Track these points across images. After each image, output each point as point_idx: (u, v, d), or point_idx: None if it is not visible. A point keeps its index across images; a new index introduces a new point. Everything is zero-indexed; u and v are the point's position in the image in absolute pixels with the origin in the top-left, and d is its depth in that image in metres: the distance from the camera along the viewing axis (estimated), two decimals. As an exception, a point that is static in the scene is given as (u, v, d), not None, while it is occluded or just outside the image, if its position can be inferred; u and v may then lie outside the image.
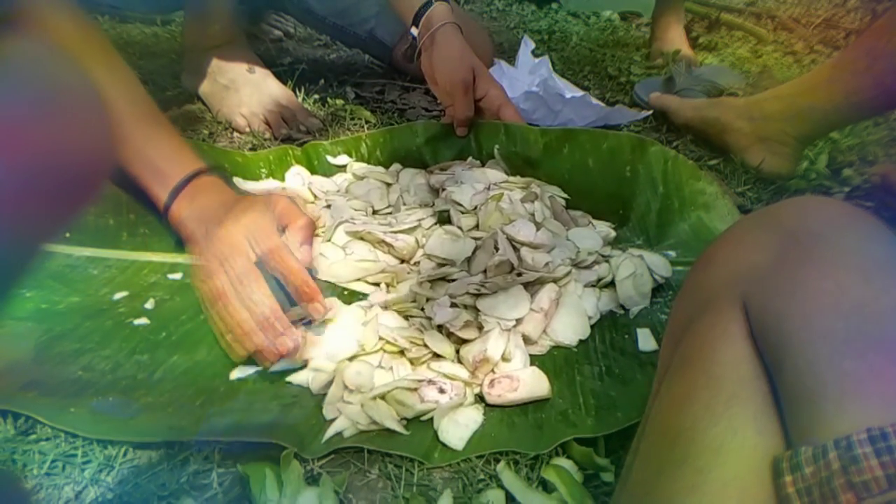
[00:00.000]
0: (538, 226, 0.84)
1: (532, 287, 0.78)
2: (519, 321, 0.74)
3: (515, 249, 0.81)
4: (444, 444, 0.64)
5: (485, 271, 0.79)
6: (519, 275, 0.78)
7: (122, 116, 0.77)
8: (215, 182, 0.81)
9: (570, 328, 0.76)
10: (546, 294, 0.77)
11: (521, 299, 0.76)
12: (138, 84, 0.81)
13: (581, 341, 0.76)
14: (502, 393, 0.68)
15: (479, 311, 0.75)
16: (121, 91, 0.78)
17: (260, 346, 0.68)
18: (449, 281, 0.79)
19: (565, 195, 0.97)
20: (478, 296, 0.76)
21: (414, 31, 1.08)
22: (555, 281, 0.79)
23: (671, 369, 0.48)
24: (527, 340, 0.74)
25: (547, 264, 0.80)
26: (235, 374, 0.71)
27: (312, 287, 0.71)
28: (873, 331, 0.39)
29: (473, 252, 0.82)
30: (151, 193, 0.80)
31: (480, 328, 0.73)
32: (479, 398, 0.69)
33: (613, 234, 0.91)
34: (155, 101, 0.82)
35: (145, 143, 0.79)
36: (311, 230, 0.76)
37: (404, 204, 0.96)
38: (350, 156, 1.07)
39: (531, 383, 0.69)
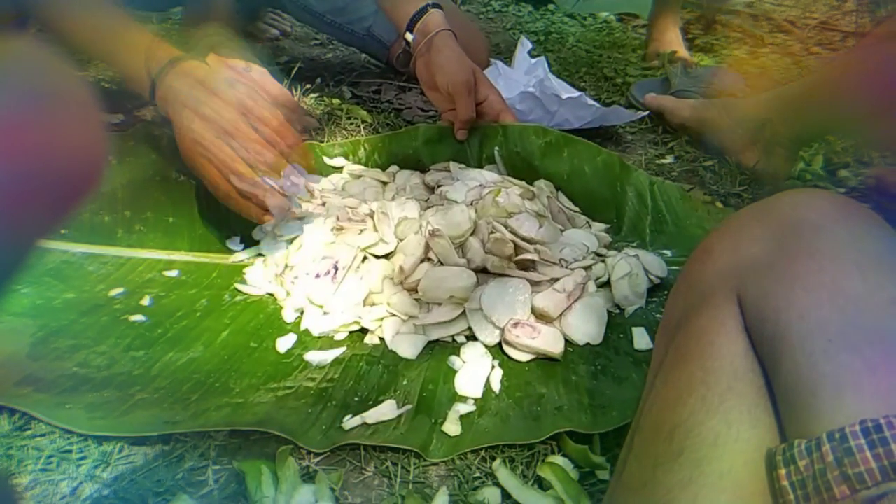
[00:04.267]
0: (540, 221, 0.85)
1: (540, 286, 0.78)
2: (513, 323, 0.75)
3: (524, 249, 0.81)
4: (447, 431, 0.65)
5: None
6: (525, 269, 0.79)
7: (98, 22, 0.85)
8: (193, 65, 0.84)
9: (582, 329, 0.76)
10: (573, 279, 0.78)
11: (520, 292, 0.77)
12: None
13: (589, 344, 0.76)
14: (521, 335, 0.72)
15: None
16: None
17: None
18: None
19: (565, 196, 0.97)
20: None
21: (408, 36, 1.08)
22: (585, 269, 0.82)
23: (666, 363, 0.49)
24: (544, 316, 0.76)
25: (561, 260, 0.81)
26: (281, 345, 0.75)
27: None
28: (869, 325, 0.39)
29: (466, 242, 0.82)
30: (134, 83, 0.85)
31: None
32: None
33: (608, 238, 0.92)
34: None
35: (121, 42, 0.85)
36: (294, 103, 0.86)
37: (400, 202, 0.96)
38: (347, 158, 1.07)
39: (550, 339, 0.73)
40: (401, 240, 0.83)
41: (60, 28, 0.88)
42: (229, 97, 0.81)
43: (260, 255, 0.87)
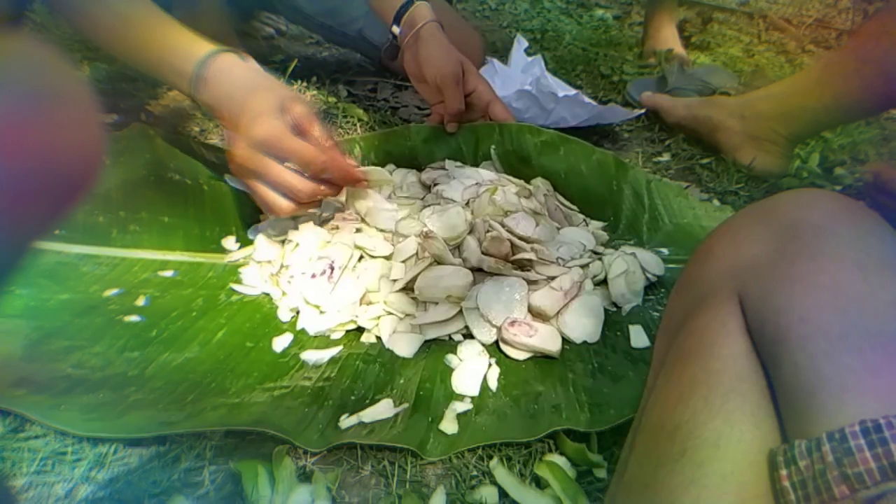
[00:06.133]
0: (537, 219, 0.84)
1: (537, 285, 0.78)
2: (509, 322, 0.75)
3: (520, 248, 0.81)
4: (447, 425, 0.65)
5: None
6: (521, 268, 0.78)
7: (135, 22, 0.87)
8: (233, 62, 0.85)
9: (580, 327, 0.76)
10: (570, 277, 0.78)
11: (517, 290, 0.76)
12: None
13: (586, 343, 0.76)
14: (518, 333, 0.72)
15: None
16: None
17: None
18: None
19: (561, 195, 0.97)
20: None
21: (395, 29, 1.07)
22: (582, 267, 0.81)
23: (668, 364, 0.48)
24: (541, 315, 0.76)
25: (558, 259, 0.81)
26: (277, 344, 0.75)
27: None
28: (870, 326, 0.39)
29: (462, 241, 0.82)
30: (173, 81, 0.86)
31: None
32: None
33: (605, 236, 0.91)
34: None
35: (161, 39, 0.87)
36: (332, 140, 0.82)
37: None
38: (344, 156, 1.07)
39: (547, 337, 0.73)
40: (401, 237, 0.83)
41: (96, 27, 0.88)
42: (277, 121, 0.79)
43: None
